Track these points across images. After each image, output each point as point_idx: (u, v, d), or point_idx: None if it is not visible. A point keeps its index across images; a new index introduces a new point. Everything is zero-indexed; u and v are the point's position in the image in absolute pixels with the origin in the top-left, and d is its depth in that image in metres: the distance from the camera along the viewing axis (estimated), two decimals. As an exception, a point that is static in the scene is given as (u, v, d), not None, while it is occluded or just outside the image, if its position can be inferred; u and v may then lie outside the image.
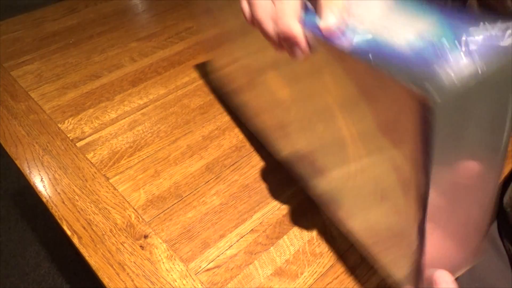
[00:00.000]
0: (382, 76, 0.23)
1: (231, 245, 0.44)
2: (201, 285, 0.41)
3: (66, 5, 0.87)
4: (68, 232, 0.45)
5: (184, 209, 0.48)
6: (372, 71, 0.24)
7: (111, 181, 0.51)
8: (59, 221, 0.47)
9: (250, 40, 0.43)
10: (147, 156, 0.54)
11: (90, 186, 0.50)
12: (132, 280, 0.41)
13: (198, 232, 0.46)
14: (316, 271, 0.42)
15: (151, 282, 0.41)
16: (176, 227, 0.46)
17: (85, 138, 0.57)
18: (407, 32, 0.24)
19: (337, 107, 0.31)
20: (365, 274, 0.42)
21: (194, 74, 0.68)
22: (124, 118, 0.60)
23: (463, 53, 0.22)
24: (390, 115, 0.24)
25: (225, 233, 0.45)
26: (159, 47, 0.75)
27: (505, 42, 0.22)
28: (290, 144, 0.45)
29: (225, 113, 0.60)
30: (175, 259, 0.43)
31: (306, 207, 0.48)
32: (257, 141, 0.55)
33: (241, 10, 0.31)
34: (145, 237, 0.45)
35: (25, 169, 0.53)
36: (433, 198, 0.25)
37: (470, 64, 0.21)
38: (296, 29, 0.26)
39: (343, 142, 0.32)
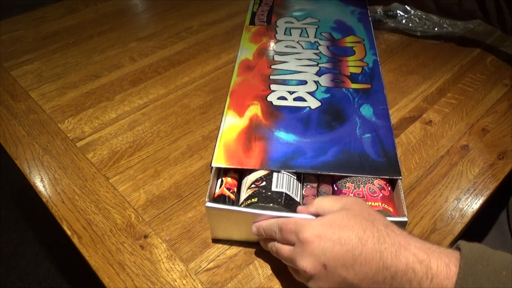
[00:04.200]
0: None
1: (231, 245, 0.44)
2: (201, 285, 0.41)
3: (66, 5, 0.87)
4: (68, 232, 0.45)
5: (184, 209, 0.48)
6: None
7: (111, 181, 0.51)
8: (59, 221, 0.47)
9: None
10: (147, 156, 0.54)
11: (90, 186, 0.50)
12: (132, 280, 0.41)
13: (198, 232, 0.45)
14: (316, 271, 0.42)
15: (151, 282, 0.41)
16: (176, 227, 0.46)
17: (85, 138, 0.57)
18: None
19: None
20: (365, 274, 0.41)
21: (194, 74, 0.68)
22: (124, 118, 0.60)
23: None
24: None
25: (225, 233, 0.45)
26: (159, 47, 0.75)
27: None
28: None
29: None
30: (175, 259, 0.43)
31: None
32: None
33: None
34: (145, 237, 0.45)
35: (25, 169, 0.53)
36: None
37: None
38: None
39: None
